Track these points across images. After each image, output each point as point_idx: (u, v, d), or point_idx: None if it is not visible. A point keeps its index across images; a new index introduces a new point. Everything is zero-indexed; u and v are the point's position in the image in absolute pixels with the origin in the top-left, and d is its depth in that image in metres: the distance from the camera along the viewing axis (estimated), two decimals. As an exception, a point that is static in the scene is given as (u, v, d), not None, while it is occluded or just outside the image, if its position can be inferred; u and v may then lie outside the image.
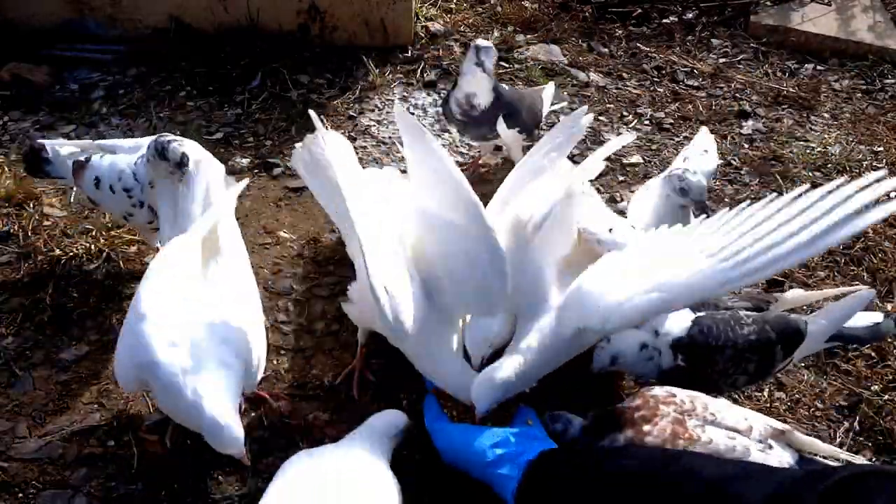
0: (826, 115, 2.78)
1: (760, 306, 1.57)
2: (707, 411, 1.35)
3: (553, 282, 1.52)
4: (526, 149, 1.80)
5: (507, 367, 1.38)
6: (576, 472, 1.21)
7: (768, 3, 3.30)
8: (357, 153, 2.42)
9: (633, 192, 2.31)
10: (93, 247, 2.00)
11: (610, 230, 1.57)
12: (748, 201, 1.33)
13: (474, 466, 1.34)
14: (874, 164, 2.52)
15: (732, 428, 1.34)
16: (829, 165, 2.49)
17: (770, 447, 1.33)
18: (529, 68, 2.85)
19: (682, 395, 1.38)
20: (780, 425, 1.38)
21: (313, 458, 1.31)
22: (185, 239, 1.51)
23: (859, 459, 1.39)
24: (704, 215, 1.42)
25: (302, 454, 1.33)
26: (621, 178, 2.38)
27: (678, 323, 1.47)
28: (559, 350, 1.41)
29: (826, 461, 1.37)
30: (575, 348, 1.43)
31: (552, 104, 2.38)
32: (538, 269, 1.52)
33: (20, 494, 1.48)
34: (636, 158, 2.46)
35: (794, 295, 1.66)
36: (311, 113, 1.52)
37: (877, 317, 1.60)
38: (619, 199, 2.29)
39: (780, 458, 1.32)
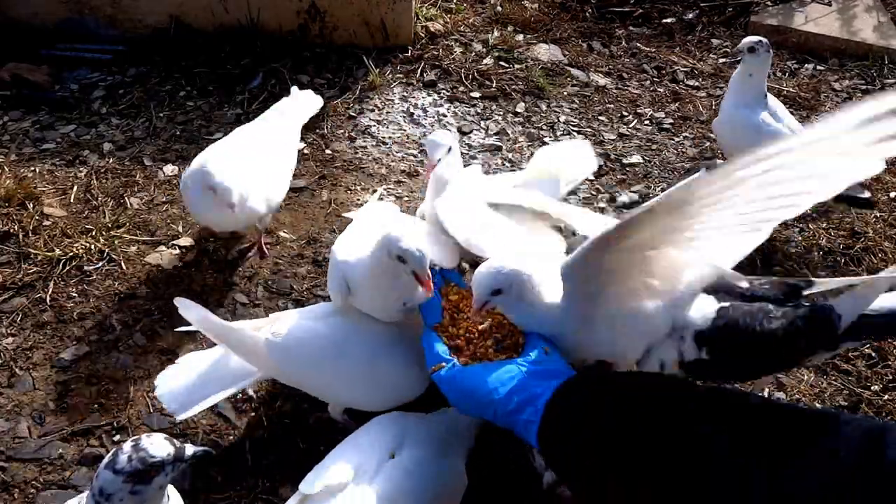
0: (826, 115, 2.78)
1: (789, 295, 1.40)
2: None
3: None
4: None
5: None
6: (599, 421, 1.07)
7: (769, 3, 3.30)
8: (357, 153, 2.43)
9: (633, 192, 2.31)
10: (93, 247, 2.00)
11: None
12: None
13: (492, 415, 1.21)
14: (874, 164, 2.52)
15: None
16: (830, 165, 2.48)
17: None
18: (529, 68, 2.85)
19: None
20: None
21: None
22: None
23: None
24: None
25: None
26: (621, 178, 2.38)
27: (701, 312, 1.36)
28: None
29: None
30: None
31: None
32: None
33: (20, 494, 1.48)
34: (636, 158, 2.46)
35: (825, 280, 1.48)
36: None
37: None
38: (617, 198, 2.29)
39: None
